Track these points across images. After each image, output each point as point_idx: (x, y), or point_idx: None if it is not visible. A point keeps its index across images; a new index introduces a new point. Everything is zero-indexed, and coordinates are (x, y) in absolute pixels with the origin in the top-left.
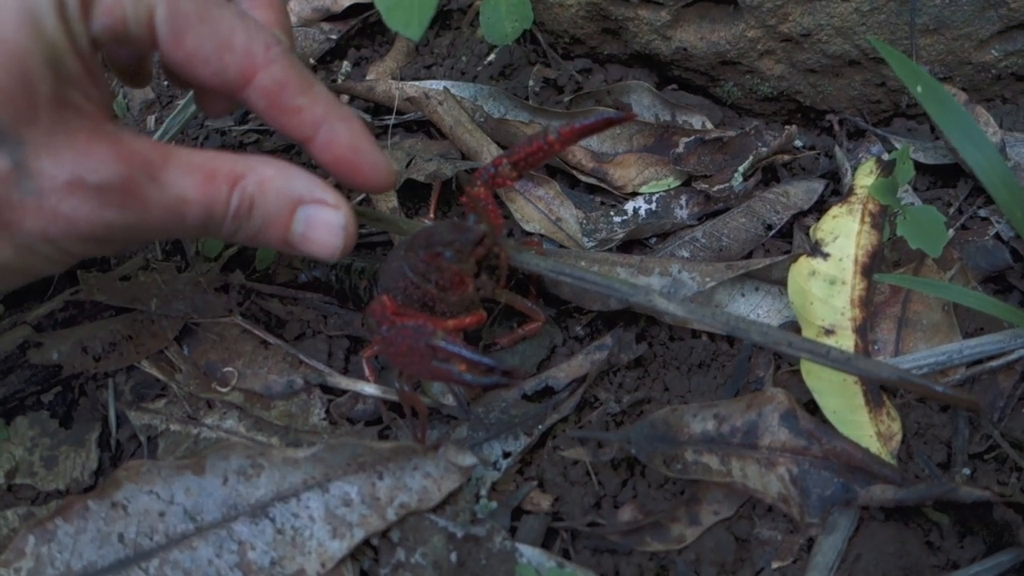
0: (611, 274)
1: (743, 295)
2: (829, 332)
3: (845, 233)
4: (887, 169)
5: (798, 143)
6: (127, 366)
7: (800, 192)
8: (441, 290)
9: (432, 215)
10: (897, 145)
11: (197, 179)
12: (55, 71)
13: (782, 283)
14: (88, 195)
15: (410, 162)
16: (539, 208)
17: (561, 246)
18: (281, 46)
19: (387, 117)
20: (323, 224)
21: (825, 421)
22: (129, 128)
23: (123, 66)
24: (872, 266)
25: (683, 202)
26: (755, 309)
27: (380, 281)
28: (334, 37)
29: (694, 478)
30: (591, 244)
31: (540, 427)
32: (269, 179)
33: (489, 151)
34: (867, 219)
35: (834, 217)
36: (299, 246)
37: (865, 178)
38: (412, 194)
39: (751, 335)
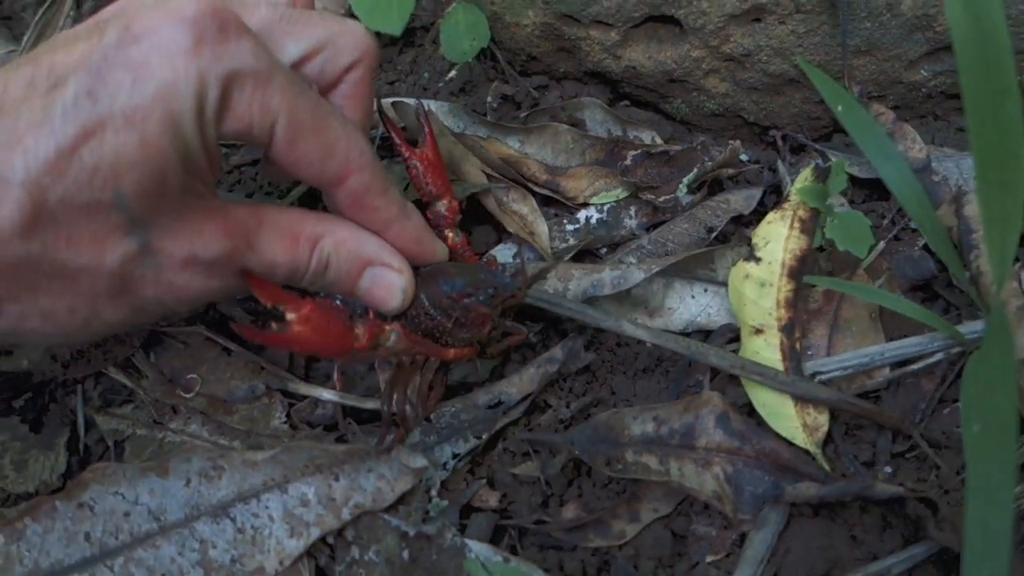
0: (568, 276)
1: (693, 296)
2: (759, 331)
3: (776, 238)
4: (821, 175)
5: (743, 157)
6: (95, 372)
7: (740, 199)
8: (458, 327)
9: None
10: (835, 159)
11: (285, 243)
12: (185, 167)
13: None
14: (199, 269)
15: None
16: (518, 222)
17: (540, 257)
18: (369, 153)
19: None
20: (386, 284)
21: (758, 422)
22: (231, 199)
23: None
24: (799, 269)
25: (632, 212)
26: (705, 309)
27: None
28: None
29: (634, 478)
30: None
31: (488, 433)
32: (343, 241)
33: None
34: (796, 224)
35: (768, 223)
36: (362, 297)
37: (801, 185)
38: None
39: (709, 359)
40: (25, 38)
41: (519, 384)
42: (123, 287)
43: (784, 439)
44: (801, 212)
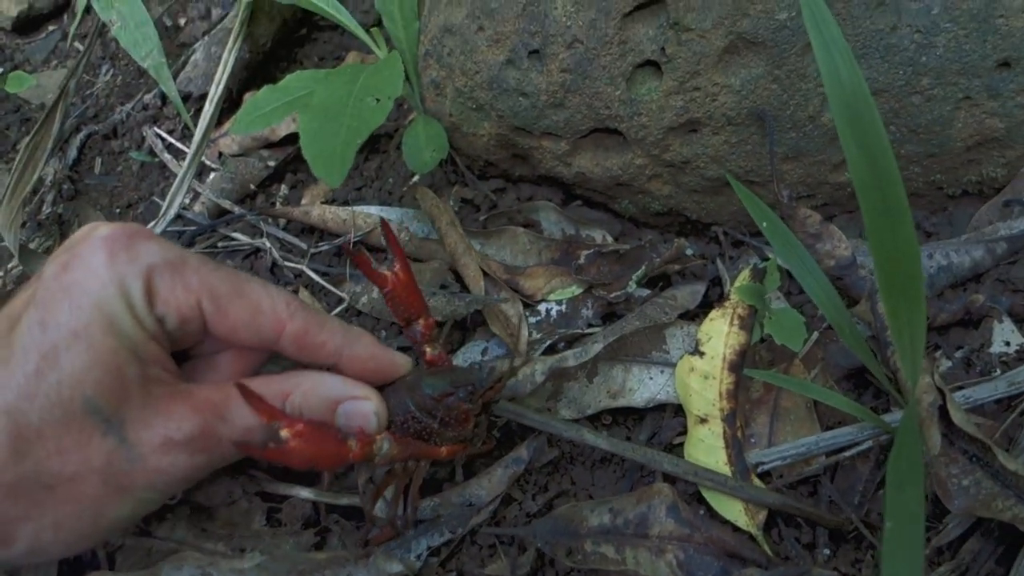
0: (534, 363)
1: (651, 378)
2: (704, 420)
3: (717, 334)
4: (758, 276)
5: (689, 251)
6: None
7: (686, 295)
8: (443, 426)
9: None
10: (770, 254)
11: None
12: (136, 358)
13: None
14: (179, 449)
15: None
16: (502, 323)
17: (512, 351)
18: (295, 300)
19: (327, 241)
20: (360, 414)
21: (705, 509)
22: (195, 383)
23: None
24: (739, 363)
25: (588, 304)
26: (664, 387)
27: None
28: (272, 163)
29: (593, 567)
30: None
31: (462, 528)
32: (310, 390)
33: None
34: (736, 321)
35: (711, 320)
36: (344, 430)
37: (740, 284)
38: None
39: (664, 466)
40: (14, 165)
41: (488, 486)
42: (116, 483)
43: (729, 524)
44: (740, 310)
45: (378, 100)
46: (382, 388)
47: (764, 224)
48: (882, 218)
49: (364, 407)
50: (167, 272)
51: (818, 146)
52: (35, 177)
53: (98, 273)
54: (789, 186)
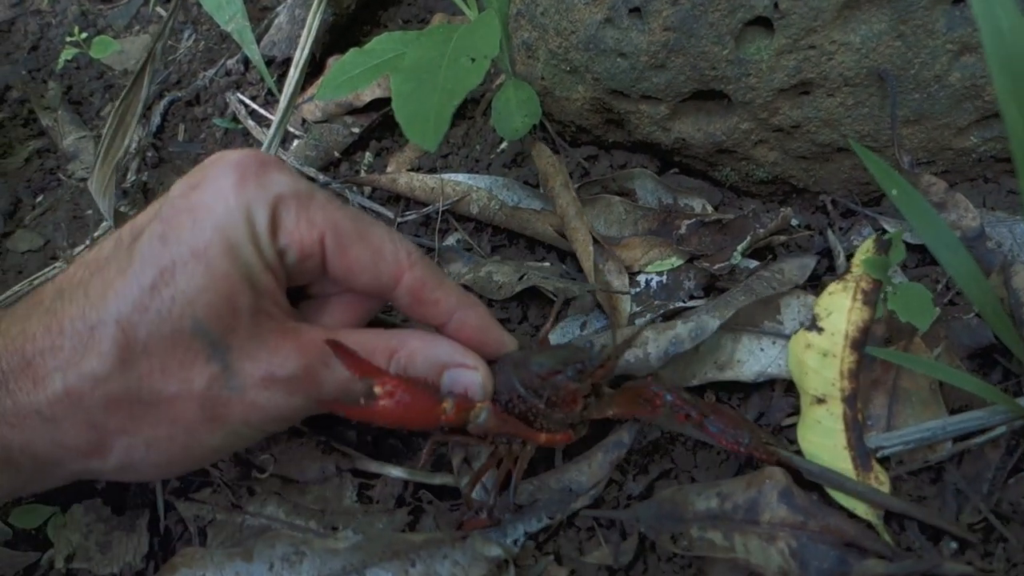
0: (642, 340)
1: (762, 349)
2: (821, 401)
3: (838, 309)
4: (883, 248)
5: (794, 222)
6: None
7: (794, 268)
8: (550, 406)
9: (549, 329)
10: (886, 224)
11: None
12: (251, 287)
13: None
14: (279, 387)
15: (522, 276)
16: (604, 295)
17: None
18: (417, 252)
19: (414, 209)
20: (464, 383)
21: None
22: (306, 322)
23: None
24: (862, 340)
25: (690, 276)
26: (775, 360)
27: None
28: (356, 130)
29: (700, 554)
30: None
31: (561, 514)
32: (418, 350)
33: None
34: (859, 296)
35: (830, 294)
36: (444, 391)
37: (862, 256)
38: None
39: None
40: (104, 131)
41: (588, 471)
42: (213, 410)
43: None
44: (864, 284)
45: (473, 60)
46: (488, 364)
47: (894, 192)
48: None
49: (471, 377)
50: (294, 204)
51: (943, 108)
52: (126, 143)
53: (225, 196)
54: (909, 152)
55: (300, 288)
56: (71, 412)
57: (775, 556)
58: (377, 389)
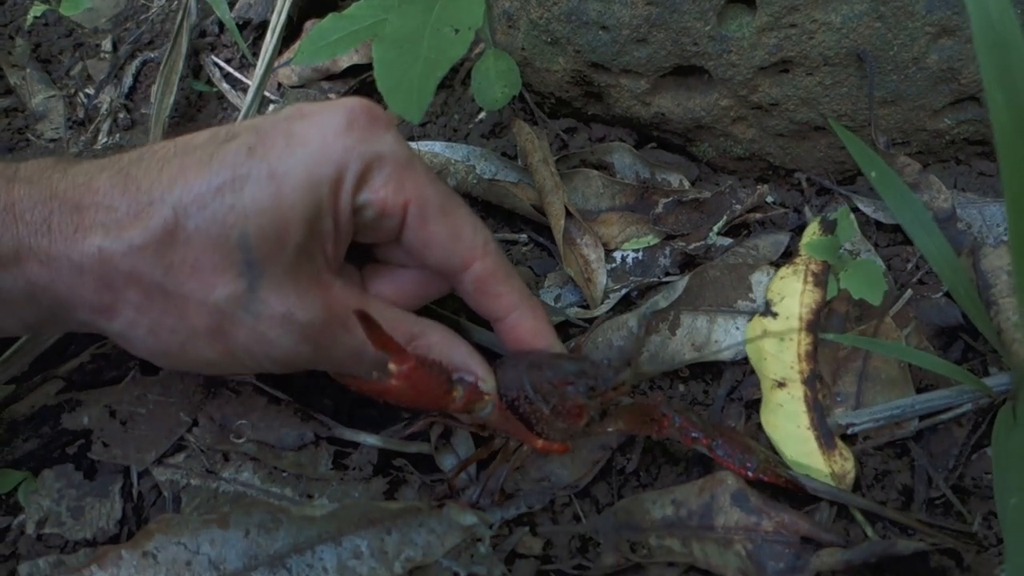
0: (622, 324)
1: (737, 328)
2: (781, 385)
3: (791, 293)
4: (829, 228)
5: (770, 199)
6: None
7: (768, 245)
8: (555, 414)
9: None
10: (859, 203)
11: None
12: (309, 227)
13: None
14: (292, 328)
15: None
16: (579, 265)
17: (584, 303)
18: (494, 243)
19: None
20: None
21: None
22: (343, 281)
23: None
24: (816, 322)
25: (666, 253)
26: None
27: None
28: (333, 96)
29: (659, 561)
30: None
31: (540, 504)
32: (435, 345)
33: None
34: (810, 278)
35: (781, 278)
36: (456, 378)
37: (806, 240)
38: None
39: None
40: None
41: (571, 466)
42: (221, 324)
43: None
44: (813, 266)
45: (457, 31)
46: (502, 357)
47: (872, 172)
48: (1022, 165)
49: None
50: (390, 166)
51: (920, 90)
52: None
53: (325, 136)
54: (885, 132)
55: (368, 248)
56: (96, 268)
57: (733, 559)
58: (392, 367)
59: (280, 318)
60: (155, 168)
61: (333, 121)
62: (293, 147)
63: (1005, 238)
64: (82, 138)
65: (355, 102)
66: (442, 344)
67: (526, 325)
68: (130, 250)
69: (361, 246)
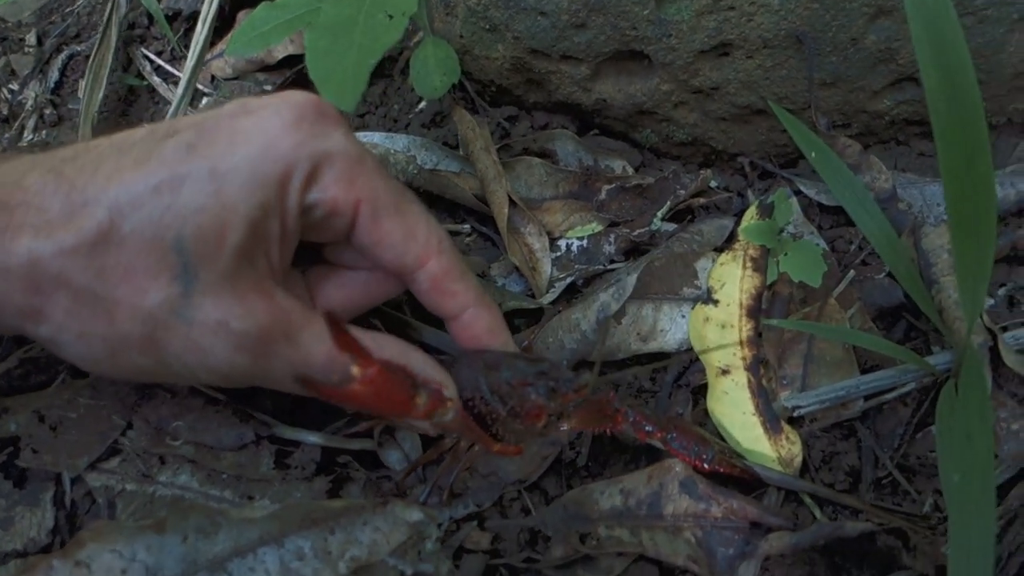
0: (572, 323)
1: (683, 316)
2: (725, 372)
3: (730, 279)
4: (766, 212)
5: (713, 184)
6: None
7: (712, 230)
8: (512, 416)
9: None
10: (801, 186)
11: (326, 348)
12: (251, 229)
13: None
14: (228, 338)
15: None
16: (523, 253)
17: (529, 291)
18: (448, 240)
19: None
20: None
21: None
22: (286, 290)
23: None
24: (757, 307)
25: (611, 240)
26: None
27: None
28: (268, 88)
29: (609, 552)
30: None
31: (490, 502)
32: (392, 359)
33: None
34: (748, 264)
35: (721, 264)
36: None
37: (744, 225)
38: None
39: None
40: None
41: (520, 462)
42: (154, 332)
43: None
44: (751, 251)
45: (391, 17)
46: (456, 357)
47: (812, 153)
48: (958, 145)
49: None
50: (340, 163)
51: (859, 71)
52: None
53: (271, 133)
54: (826, 114)
55: (314, 250)
56: (25, 271)
57: (683, 546)
58: (356, 371)
59: (215, 325)
60: (90, 167)
61: (279, 117)
62: (236, 144)
63: (945, 217)
64: (7, 135)
65: (302, 97)
66: (398, 356)
67: (481, 323)
68: (60, 252)
69: (307, 248)
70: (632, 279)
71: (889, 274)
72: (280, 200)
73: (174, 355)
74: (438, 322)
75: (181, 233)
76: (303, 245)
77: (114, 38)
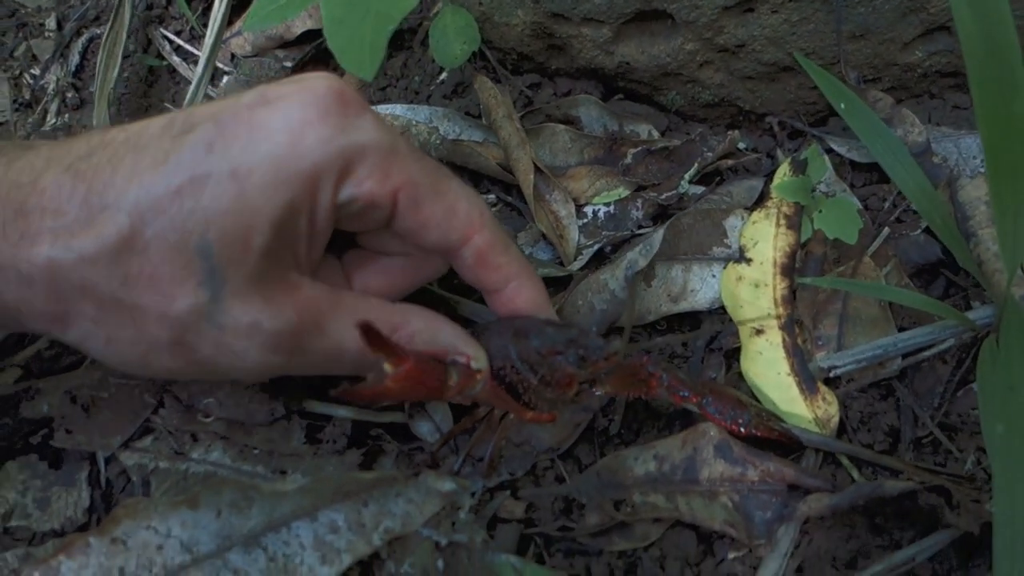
0: (600, 284)
1: (713, 275)
2: (759, 332)
3: (764, 238)
4: (799, 168)
5: (741, 145)
6: None
7: (742, 191)
8: (543, 385)
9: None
10: (833, 144)
11: (357, 331)
12: (277, 230)
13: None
14: (260, 338)
15: None
16: (549, 221)
17: (558, 259)
18: (489, 213)
19: None
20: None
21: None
22: (309, 278)
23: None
24: (791, 265)
25: (638, 205)
26: None
27: None
28: (289, 64)
29: (644, 518)
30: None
31: (523, 471)
32: (419, 332)
33: None
34: (782, 221)
35: (754, 223)
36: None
37: (776, 182)
38: None
39: None
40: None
41: (551, 430)
42: (183, 337)
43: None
44: (785, 208)
45: None
46: (486, 325)
47: (842, 105)
48: (995, 91)
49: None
50: (373, 157)
51: (888, 22)
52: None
53: (294, 127)
54: (856, 68)
55: (350, 235)
56: (46, 279)
57: (719, 511)
58: (389, 369)
59: (247, 328)
60: (107, 167)
61: (302, 112)
62: (257, 141)
63: (982, 170)
64: (30, 120)
65: (323, 83)
66: (426, 330)
67: (525, 295)
68: (81, 260)
69: (341, 234)
70: (659, 235)
71: (925, 230)
72: (310, 198)
73: (207, 358)
74: (467, 291)
75: (205, 237)
76: (337, 232)
77: (127, 16)
